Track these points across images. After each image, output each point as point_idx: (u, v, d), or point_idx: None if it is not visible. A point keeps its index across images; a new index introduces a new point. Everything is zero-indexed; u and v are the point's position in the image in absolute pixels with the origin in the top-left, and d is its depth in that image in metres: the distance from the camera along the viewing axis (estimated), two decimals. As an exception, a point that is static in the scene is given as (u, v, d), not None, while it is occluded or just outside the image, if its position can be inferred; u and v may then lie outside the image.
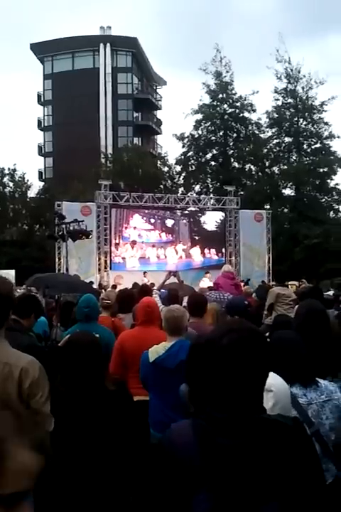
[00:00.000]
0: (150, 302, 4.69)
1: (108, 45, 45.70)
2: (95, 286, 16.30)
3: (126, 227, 21.56)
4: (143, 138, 47.44)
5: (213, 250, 22.97)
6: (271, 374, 2.23)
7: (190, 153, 36.58)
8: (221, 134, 36.66)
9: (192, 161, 36.96)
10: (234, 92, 35.69)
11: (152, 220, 22.22)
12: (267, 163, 35.92)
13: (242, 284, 12.01)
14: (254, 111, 35.62)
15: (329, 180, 33.97)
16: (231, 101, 35.75)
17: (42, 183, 41.41)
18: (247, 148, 35.34)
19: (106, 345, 4.20)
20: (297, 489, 1.50)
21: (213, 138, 36.69)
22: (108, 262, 21.19)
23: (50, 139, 46.64)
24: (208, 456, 1.50)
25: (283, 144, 35.63)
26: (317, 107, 33.97)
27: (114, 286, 16.01)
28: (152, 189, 27.86)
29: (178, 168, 37.19)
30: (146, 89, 49.36)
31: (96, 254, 20.92)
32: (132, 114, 47.00)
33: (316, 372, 2.70)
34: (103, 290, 13.75)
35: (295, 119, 34.65)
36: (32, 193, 37.16)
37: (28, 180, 37.08)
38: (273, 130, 35.39)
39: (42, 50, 45.69)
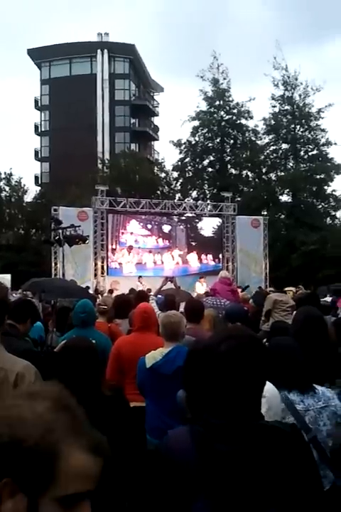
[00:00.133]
0: (146, 308, 4.68)
1: (105, 51, 45.83)
2: (91, 291, 16.27)
3: (122, 233, 21.56)
4: (140, 144, 47.52)
5: (210, 256, 22.99)
6: None
7: (187, 160, 36.69)
8: (218, 140, 36.79)
9: (189, 167, 37.06)
10: (231, 98, 35.92)
11: (149, 226, 22.24)
12: (264, 170, 36.07)
13: (239, 290, 11.99)
14: (251, 118, 35.86)
15: (326, 187, 34.15)
16: (228, 108, 35.92)
17: (39, 188, 41.42)
18: (244, 155, 35.49)
19: (102, 351, 4.17)
20: (295, 496, 1.49)
21: (210, 144, 36.82)
22: (104, 267, 21.19)
23: (46, 144, 46.66)
24: (206, 462, 1.49)
25: (280, 151, 35.80)
26: (314, 114, 34.19)
27: (111, 292, 16.01)
28: (149, 195, 27.89)
29: (175, 174, 37.31)
30: (143, 95, 49.48)
31: (92, 259, 20.91)
32: (129, 120, 47.09)
33: (314, 379, 2.69)
34: (99, 295, 13.74)
35: (292, 125, 34.84)
36: (28, 198, 37.20)
37: (24, 185, 37.16)
38: (270, 137, 35.56)
39: (40, 55, 45.77)
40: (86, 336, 3.88)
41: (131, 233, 21.66)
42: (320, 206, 34.88)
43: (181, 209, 23.07)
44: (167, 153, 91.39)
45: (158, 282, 8.72)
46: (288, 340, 3.07)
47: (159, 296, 7.57)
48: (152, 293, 8.61)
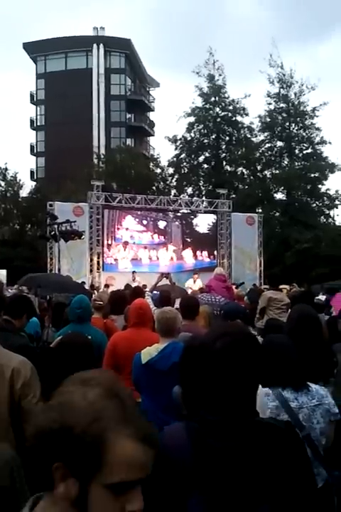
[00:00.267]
0: (142, 304, 4.69)
1: (101, 45, 45.63)
2: (87, 287, 16.26)
3: (118, 228, 21.54)
4: (136, 139, 47.42)
5: (205, 253, 23.02)
6: None
7: (182, 156, 36.63)
8: (213, 137, 36.76)
9: (185, 164, 37.00)
10: (226, 95, 35.87)
11: (144, 222, 22.23)
12: (259, 167, 36.06)
13: (234, 286, 12.02)
14: (247, 114, 35.81)
15: (320, 186, 34.18)
16: (223, 104, 35.87)
17: (34, 183, 41.25)
18: (239, 152, 35.47)
19: (98, 346, 4.19)
20: (288, 492, 1.51)
21: (205, 141, 36.78)
22: (100, 262, 21.16)
23: (42, 138, 46.45)
24: (201, 458, 1.50)
25: (275, 149, 35.82)
26: (308, 112, 34.22)
27: (106, 287, 16.00)
28: (144, 191, 27.84)
29: (171, 170, 37.24)
30: (139, 90, 49.34)
31: (88, 254, 20.87)
32: (125, 115, 46.95)
33: (308, 377, 2.71)
34: (95, 291, 13.74)
35: (287, 123, 34.87)
36: (24, 193, 37.01)
37: (19, 180, 36.96)
38: (265, 134, 35.54)
39: (35, 49, 45.51)
40: (82, 331, 3.90)
41: (127, 229, 21.64)
42: (314, 205, 34.94)
43: (176, 205, 23.07)
44: (162, 149, 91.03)
45: (154, 278, 8.72)
46: (282, 337, 3.08)
47: (154, 292, 7.58)
48: (147, 289, 8.63)
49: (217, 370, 1.56)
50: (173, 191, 35.36)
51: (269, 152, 35.85)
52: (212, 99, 35.63)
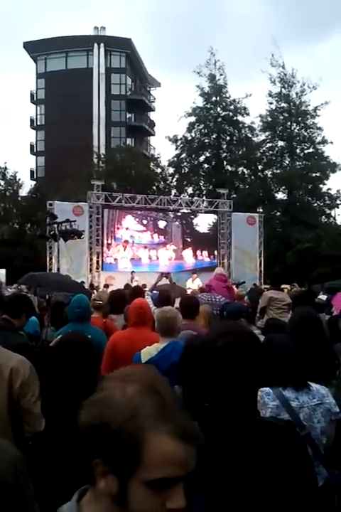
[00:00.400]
0: (142, 303, 4.68)
1: (102, 45, 45.62)
2: (86, 286, 16.25)
3: (118, 228, 21.55)
4: (136, 139, 47.41)
5: (205, 252, 23.03)
6: None
7: (182, 156, 36.65)
8: (214, 136, 36.76)
9: (185, 163, 37.03)
10: (227, 95, 35.89)
11: (144, 221, 22.24)
12: (260, 167, 36.08)
13: (234, 286, 12.01)
14: (247, 114, 35.84)
15: (321, 185, 34.22)
16: (224, 104, 35.90)
17: (34, 182, 41.23)
18: (240, 152, 35.49)
19: (97, 346, 4.17)
20: (289, 491, 1.50)
21: (206, 140, 36.79)
22: (100, 262, 21.17)
23: (42, 138, 46.44)
24: (202, 458, 1.49)
25: (276, 148, 35.85)
26: (310, 112, 34.22)
27: (106, 286, 16.01)
28: (144, 190, 27.84)
29: (171, 170, 37.26)
30: (140, 90, 49.33)
31: (87, 254, 20.88)
32: (125, 114, 46.94)
33: (310, 380, 2.70)
34: (94, 290, 13.73)
35: (289, 123, 34.89)
36: (23, 192, 37.01)
37: (19, 179, 36.96)
38: (267, 134, 35.57)
39: (36, 48, 45.50)
40: (82, 331, 3.88)
41: (127, 228, 21.65)
42: (316, 204, 34.96)
43: (177, 205, 23.07)
44: (163, 149, 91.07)
45: (154, 278, 8.71)
46: (283, 337, 3.07)
47: (154, 291, 7.56)
48: (147, 288, 8.61)
49: (218, 369, 1.56)
50: (174, 191, 35.37)
51: (270, 152, 35.89)
52: (213, 98, 35.66)
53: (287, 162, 35.75)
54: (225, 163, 37.13)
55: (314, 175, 33.74)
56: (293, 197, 34.22)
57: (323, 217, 34.92)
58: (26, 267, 18.51)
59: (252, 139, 36.17)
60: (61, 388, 2.62)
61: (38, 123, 46.95)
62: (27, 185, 38.11)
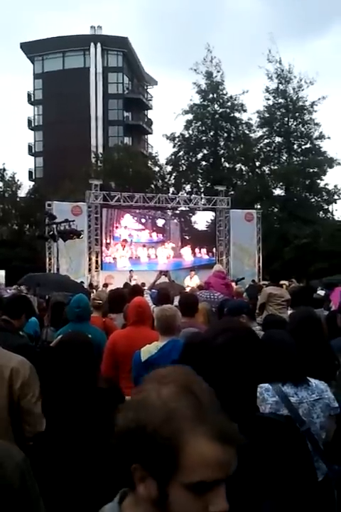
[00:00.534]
0: (141, 302, 4.68)
1: (99, 44, 45.54)
2: (85, 286, 16.26)
3: (116, 227, 21.54)
4: (134, 138, 47.35)
5: (204, 250, 23.03)
6: None
7: (180, 153, 36.62)
8: (211, 134, 36.74)
9: (183, 161, 37.00)
10: (224, 92, 35.86)
11: (143, 220, 22.22)
12: (257, 163, 36.08)
13: (233, 283, 12.02)
14: (245, 111, 35.85)
15: (319, 181, 34.22)
16: (221, 101, 35.87)
17: (32, 183, 41.18)
18: (238, 148, 35.48)
19: (97, 345, 4.18)
20: (289, 487, 1.51)
21: (204, 138, 36.76)
22: (99, 261, 21.17)
23: (40, 138, 46.41)
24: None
25: (274, 144, 35.81)
26: (307, 107, 34.22)
27: (105, 286, 16.02)
28: (143, 189, 27.83)
29: (169, 168, 37.22)
30: (137, 89, 49.24)
31: (86, 254, 20.87)
32: (123, 113, 46.88)
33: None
34: (94, 290, 13.74)
35: (286, 119, 34.87)
36: (22, 193, 36.97)
37: (18, 180, 36.90)
38: (264, 130, 35.54)
39: (33, 49, 45.41)
40: (81, 330, 3.88)
41: (125, 227, 21.64)
42: (313, 200, 34.96)
43: (175, 203, 23.06)
44: (160, 147, 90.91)
45: (152, 276, 8.73)
46: (282, 333, 3.08)
47: (153, 290, 7.58)
48: (146, 287, 8.63)
49: (218, 365, 1.56)
50: (172, 189, 35.36)
51: (268, 148, 35.87)
52: (210, 96, 35.63)
53: (284, 158, 35.75)
54: (223, 160, 37.12)
55: (311, 170, 33.75)
56: (291, 193, 34.22)
57: (321, 212, 34.95)
58: (25, 268, 18.49)
59: (250, 136, 36.17)
60: (62, 388, 2.63)
61: (36, 123, 46.92)
62: (25, 186, 38.09)
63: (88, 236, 20.63)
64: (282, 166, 34.70)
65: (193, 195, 27.71)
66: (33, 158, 47.33)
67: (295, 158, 35.17)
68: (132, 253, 21.52)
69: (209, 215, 23.60)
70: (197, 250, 22.81)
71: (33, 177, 45.28)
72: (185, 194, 31.48)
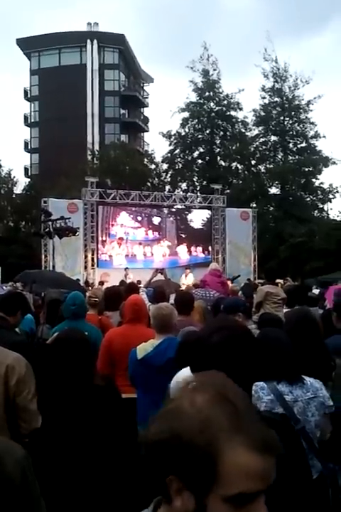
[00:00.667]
0: (137, 300, 4.69)
1: (95, 41, 45.43)
2: (81, 283, 16.25)
3: (112, 225, 21.52)
4: (130, 135, 47.30)
5: (199, 248, 23.05)
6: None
7: (176, 151, 36.62)
8: (207, 132, 36.75)
9: (179, 159, 36.99)
10: (220, 90, 35.86)
11: (139, 218, 22.21)
12: (253, 162, 36.11)
13: (229, 281, 12.04)
14: (241, 109, 35.87)
15: (314, 180, 34.29)
16: (218, 99, 35.87)
17: (28, 180, 41.08)
18: (234, 147, 35.49)
19: (93, 343, 4.18)
20: (284, 484, 1.52)
21: (200, 136, 36.77)
22: (95, 259, 21.14)
23: (36, 135, 46.28)
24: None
25: (270, 143, 35.85)
26: (303, 106, 34.27)
27: (101, 283, 16.01)
28: (139, 187, 27.80)
29: (165, 166, 37.19)
30: (133, 86, 49.17)
31: (82, 251, 20.85)
32: (119, 111, 46.80)
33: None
34: (89, 288, 13.73)
35: (282, 118, 34.91)
36: (18, 190, 36.90)
37: (13, 177, 36.82)
38: (260, 128, 35.57)
39: (29, 45, 45.27)
40: (77, 328, 3.89)
41: (121, 225, 21.62)
42: (308, 199, 35.04)
43: (171, 201, 23.06)
44: (157, 145, 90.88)
45: (148, 274, 8.72)
46: (277, 331, 3.09)
47: (149, 288, 7.58)
48: (142, 285, 8.62)
49: (213, 364, 1.57)
50: (168, 187, 35.34)
51: (263, 146, 35.90)
52: (207, 94, 35.61)
53: (280, 157, 35.81)
54: (219, 158, 37.13)
55: (307, 169, 33.82)
56: (286, 192, 34.29)
57: (316, 211, 35.02)
58: (21, 265, 18.48)
59: (245, 134, 36.20)
60: (58, 385, 2.63)
61: (32, 120, 46.78)
62: (21, 183, 38.03)
63: (84, 233, 20.60)
64: (277, 164, 34.76)
65: (189, 194, 27.70)
66: (29, 155, 47.22)
67: (290, 157, 35.24)
68: (128, 251, 21.51)
69: (205, 214, 23.61)
70: (193, 248, 22.83)
71: (29, 174, 45.16)
72: (181, 192, 31.46)
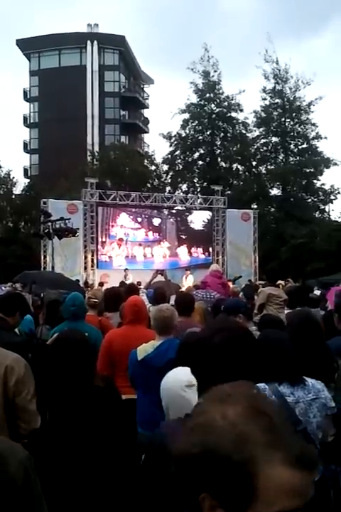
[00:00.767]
0: (137, 301, 4.68)
1: (95, 42, 45.51)
2: (81, 284, 16.24)
3: (112, 226, 21.53)
4: (130, 136, 47.36)
5: (200, 249, 23.06)
6: (185, 369, 2.25)
7: (177, 153, 36.62)
8: (208, 133, 36.77)
9: (179, 161, 37.00)
10: (221, 91, 35.88)
11: (139, 219, 22.23)
12: (254, 163, 36.13)
13: (230, 283, 12.04)
14: (241, 110, 35.87)
15: (315, 181, 34.32)
16: (218, 100, 35.89)
17: (28, 180, 41.10)
18: (234, 148, 35.51)
19: (93, 344, 4.17)
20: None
21: (200, 137, 36.78)
22: (94, 260, 21.15)
23: (35, 135, 46.35)
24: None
25: (270, 144, 35.87)
26: (304, 107, 34.30)
27: (101, 284, 16.01)
28: (139, 188, 27.83)
29: (165, 167, 37.19)
30: (133, 87, 49.25)
31: (82, 252, 20.87)
32: (119, 112, 46.87)
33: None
34: (89, 288, 13.72)
35: (283, 119, 34.92)
36: (17, 191, 36.90)
37: (13, 178, 36.82)
38: (261, 130, 35.61)
39: (29, 46, 45.34)
40: (77, 329, 3.87)
41: (121, 226, 21.64)
42: (310, 200, 35.07)
43: (171, 202, 23.08)
44: (157, 146, 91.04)
45: (148, 275, 8.72)
46: (278, 332, 3.08)
47: (149, 289, 7.57)
48: (142, 286, 8.61)
49: (214, 365, 1.56)
50: (168, 188, 35.35)
51: (264, 148, 35.93)
52: (207, 95, 35.62)
53: (281, 158, 35.83)
54: (219, 159, 37.14)
55: (308, 170, 33.85)
56: (287, 193, 34.31)
57: (317, 212, 35.04)
58: (20, 266, 18.49)
59: (246, 135, 36.22)
60: (58, 386, 2.62)
61: (32, 121, 46.85)
62: (21, 184, 38.02)
63: (84, 234, 20.62)
64: (278, 165, 34.78)
65: (190, 195, 27.75)
66: (29, 156, 47.28)
67: (291, 158, 35.26)
68: (128, 252, 21.53)
69: (206, 215, 23.62)
70: (193, 250, 22.85)
71: (29, 174, 45.17)
72: (182, 193, 31.49)
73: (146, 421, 3.51)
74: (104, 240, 21.37)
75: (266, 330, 3.31)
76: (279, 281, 13.04)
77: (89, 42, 45.42)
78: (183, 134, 36.29)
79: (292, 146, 35.49)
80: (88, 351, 2.77)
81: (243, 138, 35.83)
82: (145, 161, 38.34)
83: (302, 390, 2.60)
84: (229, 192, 31.66)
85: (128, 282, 13.47)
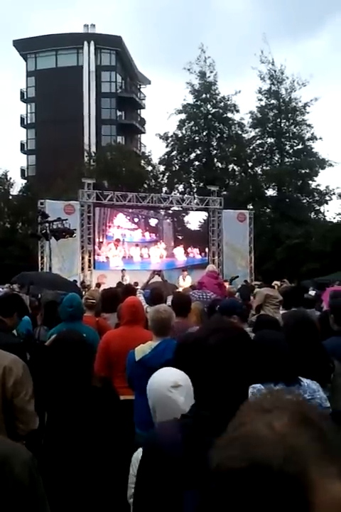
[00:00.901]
0: (134, 302, 4.70)
1: (92, 43, 45.46)
2: (78, 285, 16.23)
3: (109, 226, 21.51)
4: (127, 137, 47.31)
5: (196, 250, 23.06)
6: (172, 370, 2.28)
7: (173, 153, 36.61)
8: (204, 134, 36.77)
9: (176, 161, 36.98)
10: (217, 92, 35.89)
11: (136, 220, 22.22)
12: (250, 164, 36.16)
13: (226, 283, 12.07)
14: (237, 111, 35.89)
15: (310, 182, 34.37)
16: (214, 101, 35.89)
17: (25, 181, 41.02)
18: (230, 149, 35.53)
19: (90, 345, 4.18)
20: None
21: (197, 138, 36.79)
22: (91, 261, 21.12)
23: (32, 136, 46.23)
24: (194, 453, 1.51)
25: (266, 145, 35.91)
26: (300, 108, 34.35)
27: (98, 285, 15.99)
28: (136, 188, 27.82)
29: (162, 167, 37.18)
30: (130, 88, 49.21)
31: (79, 253, 20.83)
32: (116, 112, 46.83)
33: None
34: (86, 289, 13.73)
35: (278, 120, 34.96)
36: (14, 191, 36.81)
37: (10, 178, 36.75)
38: (257, 130, 35.65)
39: (26, 46, 45.23)
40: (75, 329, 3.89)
41: (118, 227, 21.62)
42: (305, 201, 35.12)
43: (168, 203, 23.08)
44: (153, 147, 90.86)
45: (145, 276, 8.75)
46: (274, 333, 3.10)
47: (146, 290, 7.59)
48: (139, 286, 8.64)
49: (210, 365, 1.57)
50: (164, 189, 35.32)
51: (260, 148, 35.96)
52: (203, 96, 35.62)
53: (276, 159, 35.88)
54: (215, 160, 37.13)
55: (303, 171, 33.89)
56: (283, 193, 34.35)
57: (312, 213, 35.08)
58: (18, 266, 18.45)
59: (242, 136, 36.24)
60: (56, 386, 2.64)
61: (29, 121, 46.75)
62: (18, 184, 37.95)
63: (81, 235, 20.59)
64: (274, 166, 34.83)
65: (186, 195, 27.72)
66: (26, 156, 47.17)
67: (287, 159, 35.32)
68: (125, 252, 21.51)
69: (202, 215, 23.64)
70: (189, 250, 22.85)
71: (26, 175, 45.09)
72: (178, 194, 31.46)
73: (144, 422, 3.52)
74: (101, 240, 21.36)
75: (262, 330, 3.33)
76: (274, 282, 13.07)
77: (85, 42, 45.37)
78: (180, 135, 36.28)
79: (287, 147, 35.55)
80: (86, 352, 2.80)
81: (239, 139, 35.85)
82: (142, 161, 38.31)
83: (297, 391, 2.62)
84: (225, 192, 31.68)
85: (125, 283, 13.48)
